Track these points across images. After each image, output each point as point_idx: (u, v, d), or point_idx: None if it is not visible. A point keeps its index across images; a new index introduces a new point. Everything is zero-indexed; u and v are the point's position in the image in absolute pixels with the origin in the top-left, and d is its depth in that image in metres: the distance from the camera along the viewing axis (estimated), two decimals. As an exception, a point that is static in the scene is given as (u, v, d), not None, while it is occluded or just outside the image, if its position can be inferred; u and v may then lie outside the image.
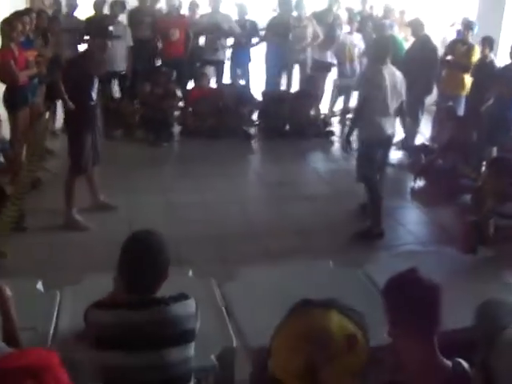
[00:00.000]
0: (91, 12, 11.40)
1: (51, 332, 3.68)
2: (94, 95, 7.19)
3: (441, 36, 12.99)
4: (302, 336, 2.01)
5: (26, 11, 9.25)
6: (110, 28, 7.51)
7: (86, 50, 7.66)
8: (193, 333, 3.14)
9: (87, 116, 7.17)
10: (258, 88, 12.23)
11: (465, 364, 2.63)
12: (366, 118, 7.08)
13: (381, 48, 7.32)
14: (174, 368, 3.06)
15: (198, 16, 12.00)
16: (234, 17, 12.07)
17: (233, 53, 12.13)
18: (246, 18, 12.13)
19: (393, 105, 7.15)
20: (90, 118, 7.23)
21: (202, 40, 11.95)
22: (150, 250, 3.12)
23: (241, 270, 4.60)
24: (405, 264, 4.38)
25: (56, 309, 3.91)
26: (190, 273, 4.48)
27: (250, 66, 12.30)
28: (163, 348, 3.03)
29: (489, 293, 4.18)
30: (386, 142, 7.37)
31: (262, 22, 12.53)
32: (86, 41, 9.92)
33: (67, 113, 7.32)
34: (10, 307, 3.07)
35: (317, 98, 11.74)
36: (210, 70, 12.02)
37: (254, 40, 12.10)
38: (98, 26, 7.70)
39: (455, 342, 2.90)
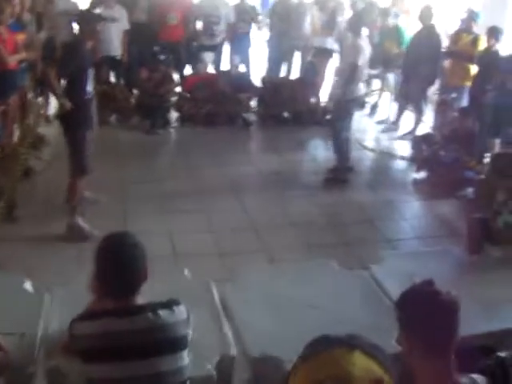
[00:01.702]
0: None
1: (39, 337, 3.50)
2: (90, 88, 6.70)
3: (443, 26, 12.82)
4: (323, 382, 1.78)
5: (18, -8, 8.96)
6: (97, 10, 7.21)
7: (75, 40, 7.17)
8: (185, 340, 2.97)
9: (83, 112, 6.65)
10: (257, 74, 12.07)
11: (480, 380, 2.48)
12: None
13: None
14: (167, 378, 2.90)
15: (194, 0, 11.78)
16: (236, 1, 11.89)
17: (231, 38, 11.87)
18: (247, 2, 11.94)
19: None
20: (87, 114, 6.75)
21: (199, 25, 11.70)
22: (124, 250, 2.98)
23: (240, 269, 4.43)
24: (411, 265, 4.30)
25: (44, 311, 3.73)
26: (186, 272, 4.28)
27: (251, 51, 12.11)
28: (153, 357, 2.87)
29: (497, 297, 4.04)
30: None
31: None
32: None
33: (62, 110, 6.70)
34: None
35: (317, 85, 11.53)
36: (208, 56, 11.75)
37: (258, 27, 11.88)
38: (84, 12, 7.38)
39: (463, 349, 2.71)
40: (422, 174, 8.79)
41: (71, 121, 6.59)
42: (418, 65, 9.27)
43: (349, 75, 8.09)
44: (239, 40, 11.83)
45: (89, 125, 6.75)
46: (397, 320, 2.49)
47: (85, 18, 6.93)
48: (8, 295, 3.85)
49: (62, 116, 6.68)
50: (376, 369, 1.82)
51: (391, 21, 11.03)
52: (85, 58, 6.57)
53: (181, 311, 2.98)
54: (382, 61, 10.49)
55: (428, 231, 7.46)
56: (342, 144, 8.59)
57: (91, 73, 6.70)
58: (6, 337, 3.28)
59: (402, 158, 9.71)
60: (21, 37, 8.40)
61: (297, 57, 12.06)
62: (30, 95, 9.14)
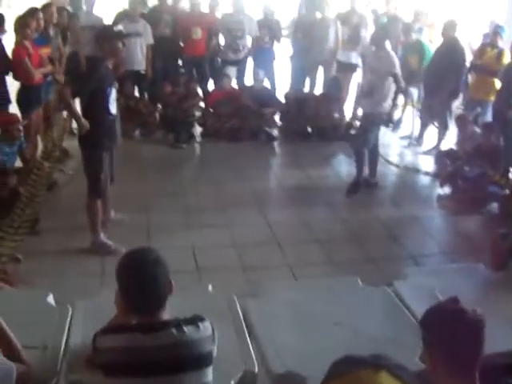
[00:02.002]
0: (111, 9, 11.26)
1: (62, 350, 3.48)
2: (112, 108, 6.49)
3: (466, 40, 12.77)
4: None
5: (43, 7, 9.06)
6: (119, 27, 7.00)
7: (94, 59, 7.12)
8: (210, 356, 2.94)
9: (102, 132, 6.43)
10: (281, 89, 12.05)
11: None
12: None
13: None
14: None
15: (217, 14, 11.83)
16: (260, 16, 11.93)
17: (255, 53, 11.88)
18: (271, 17, 11.95)
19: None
20: (106, 134, 6.51)
21: (222, 39, 11.72)
22: (146, 264, 2.96)
23: (263, 284, 4.40)
24: (435, 281, 4.25)
25: (67, 325, 3.72)
26: (210, 287, 4.27)
27: (275, 65, 12.10)
28: (178, 373, 2.84)
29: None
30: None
31: (286, 22, 12.38)
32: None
33: (80, 131, 6.46)
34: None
35: (341, 100, 11.51)
36: (232, 70, 11.76)
37: (278, 40, 11.89)
38: (104, 29, 7.08)
39: (487, 367, 2.66)
40: (446, 190, 8.72)
41: (88, 140, 6.42)
42: (441, 79, 9.20)
43: (394, 85, 8.23)
44: (263, 54, 11.80)
45: (107, 146, 6.58)
46: (421, 338, 2.46)
47: (105, 35, 6.68)
48: (31, 309, 3.84)
49: (82, 137, 6.47)
50: None
51: (414, 36, 10.99)
52: (105, 76, 6.35)
53: (206, 327, 2.96)
54: (405, 75, 10.46)
55: (452, 247, 7.38)
56: (364, 156, 8.65)
57: (113, 92, 6.49)
58: (29, 350, 3.27)
59: (426, 173, 9.64)
60: (46, 51, 8.48)
61: (320, 72, 12.00)
62: (54, 109, 9.20)
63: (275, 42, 11.97)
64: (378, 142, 8.74)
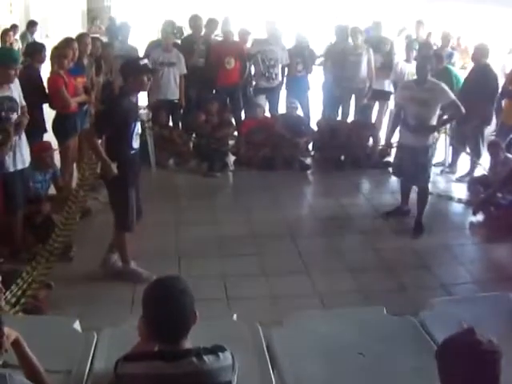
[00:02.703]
0: (145, 39, 11.39)
1: (85, 376, 3.51)
2: (135, 143, 6.38)
3: (499, 64, 12.69)
4: None
5: (78, 37, 9.23)
6: (144, 61, 6.52)
7: (118, 94, 6.91)
8: None
9: (126, 169, 6.30)
10: (314, 118, 12.04)
11: None
12: None
13: None
14: None
15: (249, 44, 11.92)
16: (292, 44, 11.99)
17: (288, 82, 11.94)
18: (305, 45, 12.00)
19: None
20: (130, 171, 6.40)
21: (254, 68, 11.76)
22: (173, 293, 2.97)
23: (289, 314, 4.38)
24: (462, 311, 4.21)
25: (92, 351, 3.74)
26: (235, 317, 4.28)
27: (309, 94, 12.15)
28: None
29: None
30: None
31: (319, 51, 12.42)
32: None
33: (106, 174, 6.37)
34: (23, 347, 3.15)
35: (374, 128, 11.50)
36: (263, 98, 11.81)
37: (310, 69, 11.91)
38: (129, 63, 6.61)
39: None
40: (478, 217, 8.66)
41: (113, 179, 6.30)
42: (473, 105, 9.14)
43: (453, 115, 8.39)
44: (297, 83, 11.86)
45: (132, 182, 6.47)
46: (437, 368, 2.44)
47: (129, 68, 6.36)
48: (57, 335, 3.88)
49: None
50: None
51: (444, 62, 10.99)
52: (128, 111, 6.21)
53: (226, 357, 2.98)
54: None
55: (485, 275, 7.29)
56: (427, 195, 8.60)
57: (137, 126, 6.36)
58: (52, 375, 3.31)
59: (459, 200, 9.58)
60: (80, 80, 8.61)
61: (353, 100, 11.98)
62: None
63: (309, 71, 12.01)
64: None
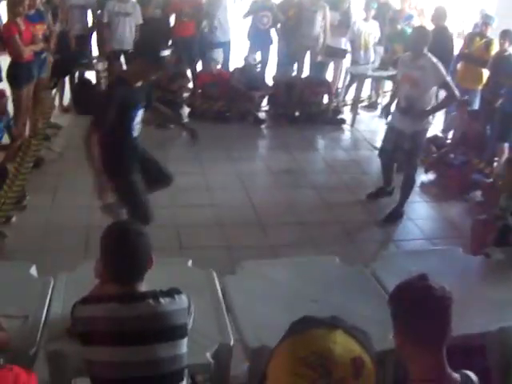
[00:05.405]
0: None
1: (42, 320, 3.53)
2: (135, 132, 5.51)
3: (459, 29, 12.81)
4: (302, 360, 1.82)
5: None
6: (165, 53, 5.27)
7: (115, 82, 5.54)
8: (184, 328, 3.02)
9: (127, 159, 5.51)
10: (268, 73, 12.04)
11: (473, 377, 2.46)
12: None
13: None
14: (165, 364, 2.94)
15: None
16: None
17: (252, 36, 11.88)
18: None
19: None
20: (132, 159, 5.55)
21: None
22: (129, 236, 3.02)
23: (243, 262, 4.44)
24: (412, 263, 4.31)
25: (49, 296, 3.76)
26: (190, 263, 4.32)
27: (271, 48, 12.08)
28: (153, 343, 2.91)
29: (497, 298, 4.05)
30: None
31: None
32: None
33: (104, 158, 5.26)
34: None
35: (329, 86, 11.53)
36: (218, 52, 11.75)
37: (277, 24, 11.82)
38: (150, 49, 5.38)
39: (460, 347, 2.72)
40: (430, 176, 8.80)
41: (114, 169, 5.42)
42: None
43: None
44: (260, 36, 11.78)
45: (135, 168, 5.58)
46: (390, 313, 2.50)
47: (148, 55, 5.30)
48: (14, 280, 3.88)
49: (106, 164, 5.29)
50: (356, 348, 1.87)
51: (399, 26, 11.09)
52: (125, 98, 5.16)
53: (182, 300, 3.03)
54: (392, 63, 10.47)
55: (435, 233, 7.48)
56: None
57: (138, 114, 5.44)
58: (9, 320, 3.32)
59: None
60: (40, 27, 8.45)
61: (308, 56, 11.93)
62: (44, 86, 9.19)
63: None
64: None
